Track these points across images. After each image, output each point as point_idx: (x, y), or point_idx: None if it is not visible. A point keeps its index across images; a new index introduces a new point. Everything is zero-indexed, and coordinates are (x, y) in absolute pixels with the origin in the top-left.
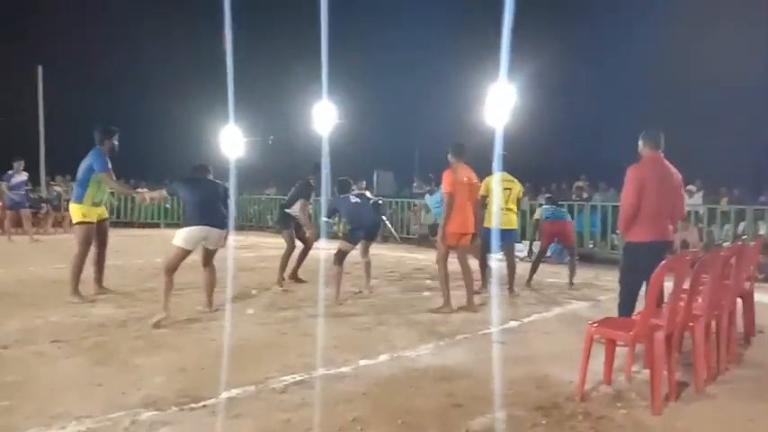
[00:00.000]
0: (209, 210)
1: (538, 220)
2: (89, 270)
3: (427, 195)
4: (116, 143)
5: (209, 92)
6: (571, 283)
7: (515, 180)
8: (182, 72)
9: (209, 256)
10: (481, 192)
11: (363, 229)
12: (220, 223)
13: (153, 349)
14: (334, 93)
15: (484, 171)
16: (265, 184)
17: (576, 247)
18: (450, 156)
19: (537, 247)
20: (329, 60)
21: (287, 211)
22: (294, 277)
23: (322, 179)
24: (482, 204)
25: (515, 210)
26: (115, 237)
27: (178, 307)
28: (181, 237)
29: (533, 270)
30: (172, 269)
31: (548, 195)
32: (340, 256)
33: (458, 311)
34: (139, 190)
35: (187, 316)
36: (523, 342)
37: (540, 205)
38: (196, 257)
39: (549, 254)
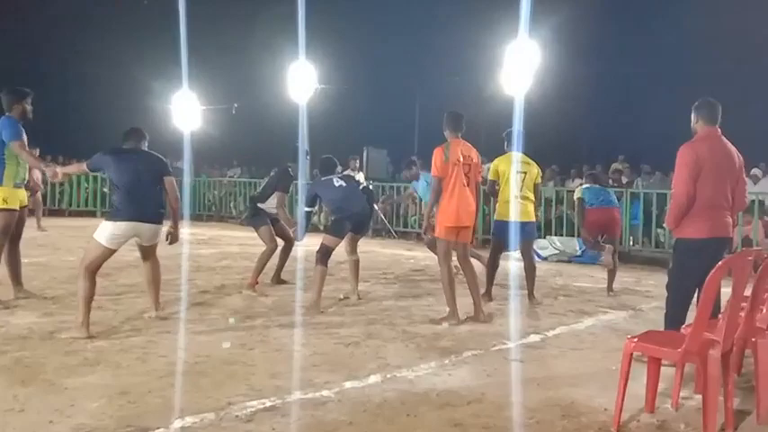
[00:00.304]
0: (139, 197)
1: (581, 199)
2: (3, 269)
3: (414, 182)
4: (29, 107)
5: (158, 49)
6: (610, 289)
7: (532, 162)
8: (123, 23)
9: (146, 252)
10: (491, 176)
11: (350, 219)
12: (153, 215)
13: (88, 367)
14: (314, 51)
15: (498, 151)
16: (228, 164)
17: (618, 243)
18: (444, 127)
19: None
20: (307, 11)
21: (259, 205)
22: (278, 280)
23: (304, 163)
24: (491, 191)
25: (532, 198)
26: (40, 228)
27: (119, 315)
28: (103, 233)
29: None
30: (92, 271)
31: (590, 172)
32: (323, 254)
33: (465, 322)
34: (52, 165)
35: (130, 326)
36: (547, 360)
37: (580, 185)
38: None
39: (578, 252)
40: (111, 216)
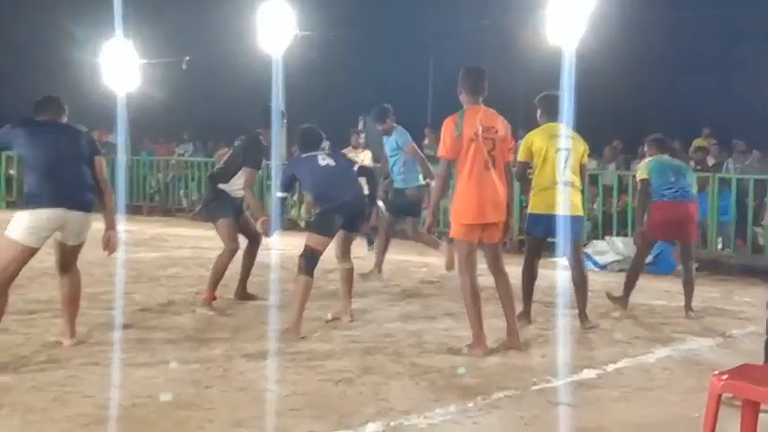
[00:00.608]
0: (63, 178)
1: (645, 181)
2: None
3: (385, 138)
4: None
5: None
6: (689, 308)
7: (577, 136)
8: None
9: (68, 256)
10: (521, 156)
11: (340, 210)
12: (82, 201)
13: None
14: None
15: (531, 123)
16: (177, 138)
17: (694, 247)
18: (459, 90)
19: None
20: None
21: (221, 187)
22: (242, 294)
23: (278, 130)
24: (522, 176)
25: (579, 184)
26: None
27: (31, 341)
28: (18, 226)
29: (629, 285)
30: (4, 281)
31: (655, 137)
32: (308, 259)
33: (496, 352)
34: None
35: (46, 356)
36: (605, 404)
37: (646, 159)
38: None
39: (648, 258)
40: (27, 203)
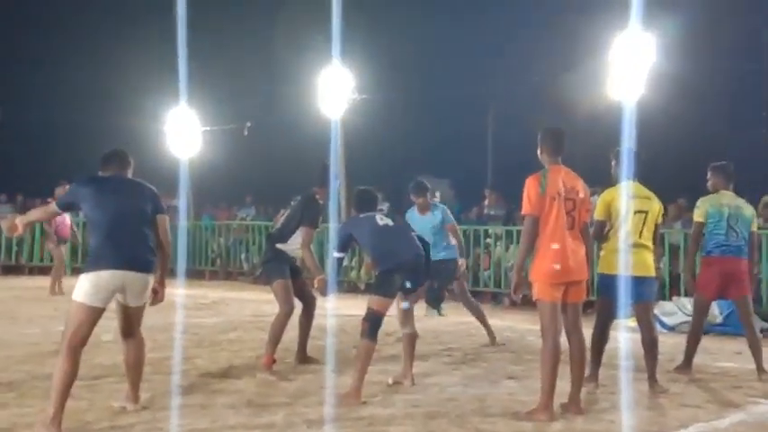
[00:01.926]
0: (125, 238)
1: (701, 225)
2: None
3: (410, 213)
4: None
5: (150, 55)
6: (761, 370)
7: (653, 196)
8: (106, 23)
9: (130, 319)
10: (599, 215)
11: (401, 270)
12: (144, 263)
13: None
14: (352, 53)
15: (600, 180)
16: (239, 202)
17: (750, 301)
18: (540, 150)
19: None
20: (343, 2)
21: (279, 247)
22: (302, 357)
23: (335, 191)
24: (600, 235)
25: (651, 246)
26: None
27: (95, 407)
28: (82, 288)
29: (692, 347)
30: (77, 345)
31: (720, 165)
32: (372, 323)
33: (560, 416)
34: (8, 215)
35: (109, 422)
36: None
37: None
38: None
39: (719, 318)
40: (90, 266)
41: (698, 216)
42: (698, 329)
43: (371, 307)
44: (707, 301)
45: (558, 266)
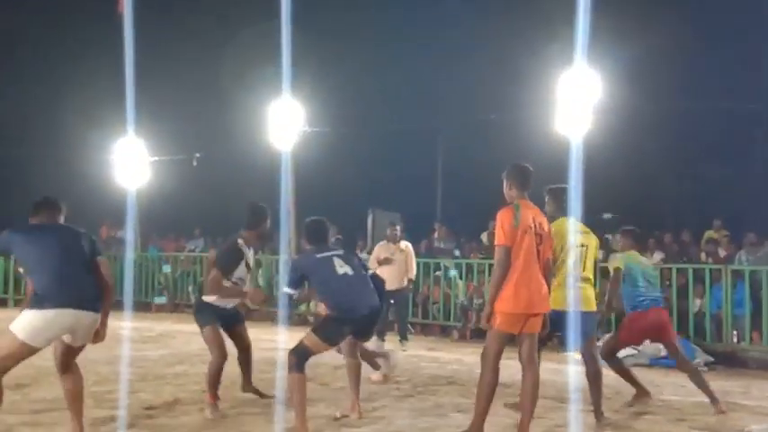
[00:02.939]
0: (70, 279)
1: (620, 270)
2: None
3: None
4: None
5: (96, 84)
6: (714, 401)
7: (589, 230)
8: (51, 48)
9: (71, 356)
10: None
11: (354, 323)
12: (93, 302)
13: None
14: (302, 86)
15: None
16: (187, 233)
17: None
18: (508, 185)
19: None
20: (293, 33)
21: (205, 299)
22: (248, 387)
23: (287, 220)
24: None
25: (592, 279)
26: None
27: None
28: (24, 323)
29: (630, 379)
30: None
31: (630, 229)
32: (299, 356)
33: None
34: None
35: None
36: None
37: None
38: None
39: (663, 351)
40: (37, 303)
41: (616, 263)
42: (620, 361)
43: (306, 343)
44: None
45: (523, 298)
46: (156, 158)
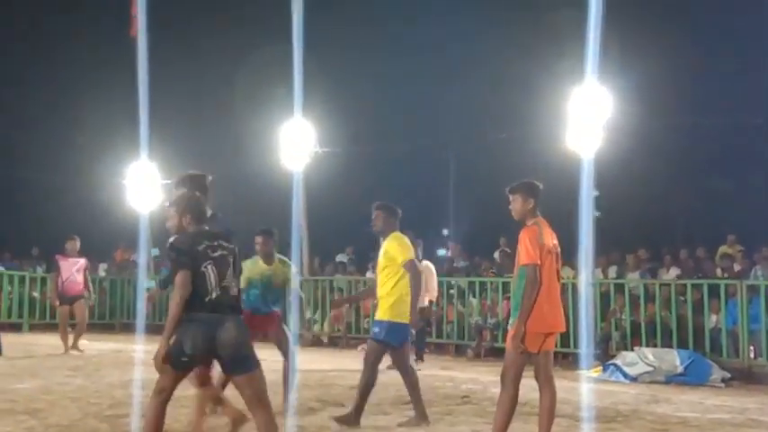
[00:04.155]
0: None
1: None
2: None
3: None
4: None
5: (109, 107)
6: None
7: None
8: (64, 74)
9: None
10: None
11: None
12: None
13: None
14: (313, 107)
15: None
16: None
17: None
18: (527, 202)
19: None
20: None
21: None
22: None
23: (298, 239)
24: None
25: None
26: None
27: None
28: None
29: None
30: None
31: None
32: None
33: None
34: None
35: None
36: None
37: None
38: None
39: (680, 368)
40: None
41: None
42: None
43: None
44: None
45: (548, 317)
46: (169, 181)
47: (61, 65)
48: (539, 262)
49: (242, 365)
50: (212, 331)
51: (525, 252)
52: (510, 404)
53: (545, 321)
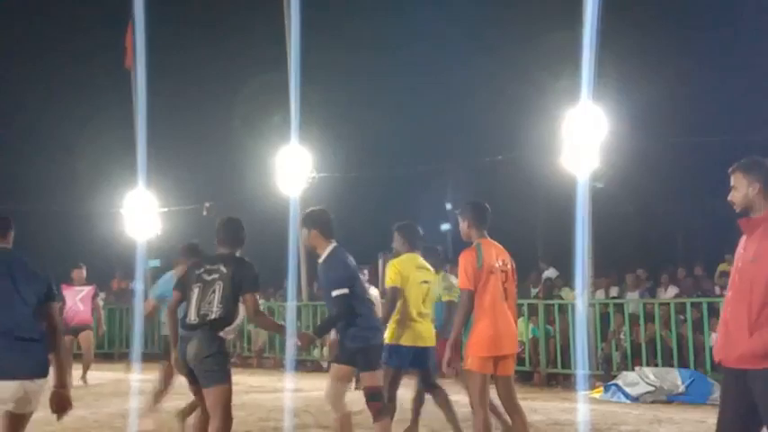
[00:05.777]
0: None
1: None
2: None
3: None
4: None
5: (106, 137)
6: None
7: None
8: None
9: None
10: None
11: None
12: (12, 365)
13: None
14: (310, 133)
15: (557, 253)
16: None
17: None
18: (466, 224)
19: None
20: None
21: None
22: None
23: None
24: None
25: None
26: None
27: None
28: None
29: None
30: None
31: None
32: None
33: None
34: None
35: None
36: None
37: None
38: None
39: (681, 388)
40: None
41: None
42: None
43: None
44: None
45: (491, 340)
46: (167, 209)
47: (58, 95)
48: (471, 288)
49: (202, 379)
50: (184, 346)
51: (460, 277)
52: (484, 427)
53: (493, 344)
